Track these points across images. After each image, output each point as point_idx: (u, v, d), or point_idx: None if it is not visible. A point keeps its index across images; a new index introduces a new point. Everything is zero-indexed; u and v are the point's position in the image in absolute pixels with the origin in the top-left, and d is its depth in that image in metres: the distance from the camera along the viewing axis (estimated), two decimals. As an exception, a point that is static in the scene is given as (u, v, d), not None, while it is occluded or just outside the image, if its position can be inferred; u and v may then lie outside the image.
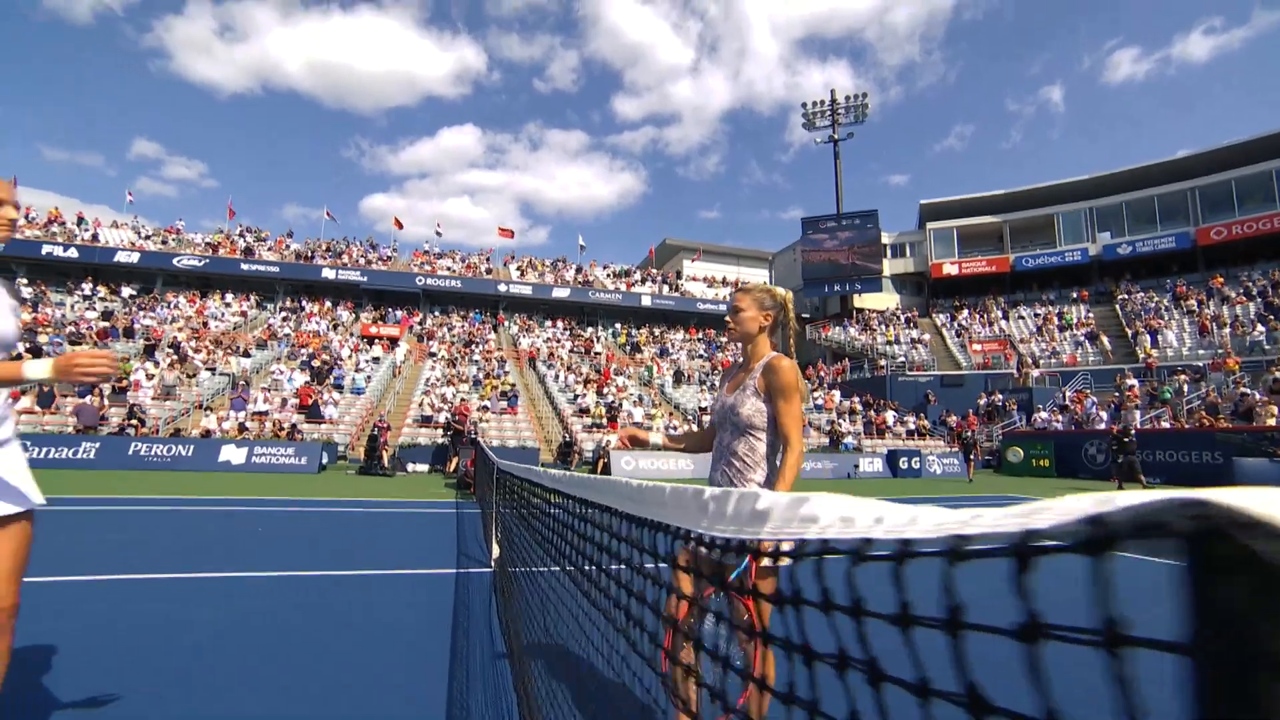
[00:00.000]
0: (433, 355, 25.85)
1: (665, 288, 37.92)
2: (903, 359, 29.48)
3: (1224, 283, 27.04)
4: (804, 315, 39.15)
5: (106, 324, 23.77)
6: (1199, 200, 29.51)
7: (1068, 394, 23.38)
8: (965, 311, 33.24)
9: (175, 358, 20.77)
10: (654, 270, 41.45)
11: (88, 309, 25.75)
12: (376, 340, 27.03)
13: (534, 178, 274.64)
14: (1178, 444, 16.68)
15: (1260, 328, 23.17)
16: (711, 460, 2.23)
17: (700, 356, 31.55)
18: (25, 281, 27.68)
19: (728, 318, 2.28)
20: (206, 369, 20.53)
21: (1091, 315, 29.49)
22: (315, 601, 4.15)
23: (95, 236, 30.72)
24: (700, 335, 35.51)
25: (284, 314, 29.37)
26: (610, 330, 35.06)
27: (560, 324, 34.15)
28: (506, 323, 33.32)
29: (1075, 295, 31.56)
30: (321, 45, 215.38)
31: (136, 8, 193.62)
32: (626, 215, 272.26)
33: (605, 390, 23.28)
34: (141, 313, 26.06)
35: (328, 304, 31.51)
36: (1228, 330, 24.05)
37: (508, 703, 2.64)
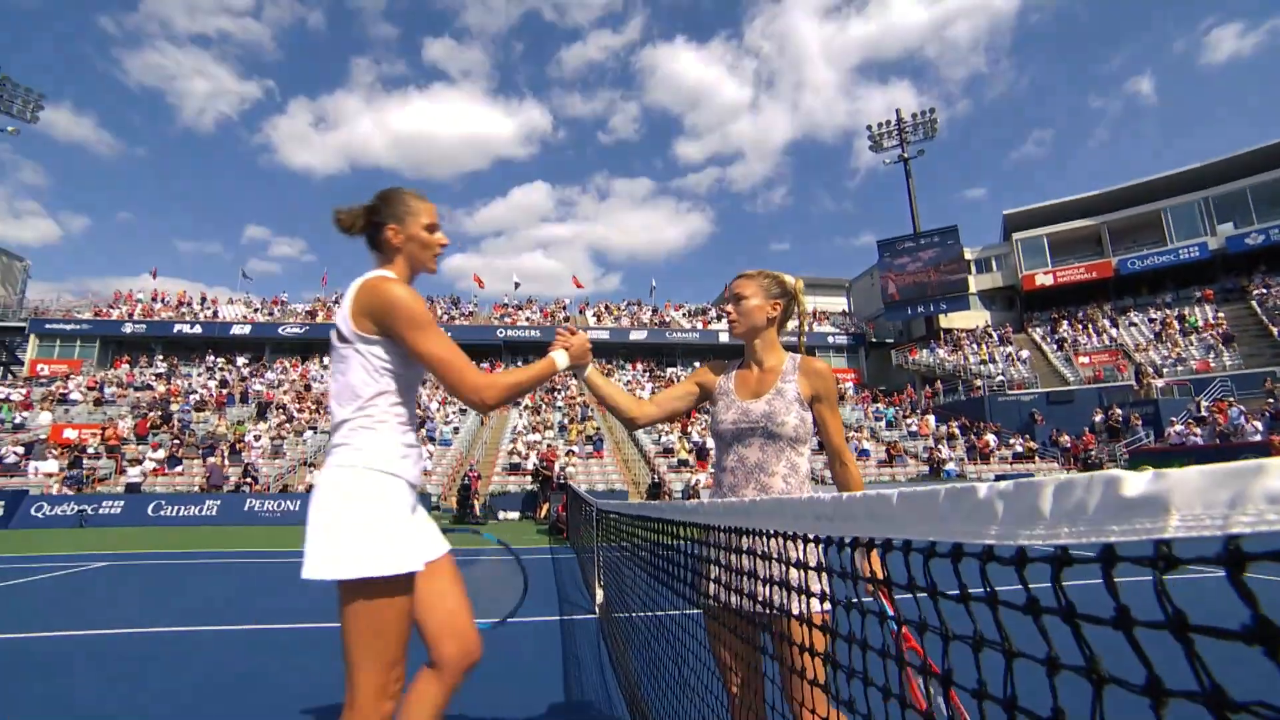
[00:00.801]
0: (517, 404, 26.45)
1: (739, 321, 37.47)
2: (1001, 378, 27.48)
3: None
4: (888, 340, 37.57)
5: (224, 390, 25.95)
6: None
7: (1203, 404, 20.90)
8: (1065, 323, 30.78)
9: (284, 418, 22.25)
10: (729, 308, 41.17)
11: (209, 379, 28.23)
12: (462, 391, 28.02)
13: (603, 227, 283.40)
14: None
15: None
16: (724, 481, 1.84)
17: (781, 388, 30.72)
18: (161, 357, 30.81)
19: (728, 307, 1.96)
20: (310, 428, 21.86)
21: (1222, 315, 26.52)
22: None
23: (215, 314, 33.90)
24: (779, 367, 34.68)
25: (377, 372, 31.08)
26: (690, 369, 34.85)
27: (639, 366, 34.28)
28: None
29: (1198, 295, 28.59)
30: (401, 123, 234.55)
31: (249, 113, 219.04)
32: (696, 255, 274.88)
33: (689, 428, 22.93)
34: (254, 379, 28.29)
35: (416, 360, 33.14)
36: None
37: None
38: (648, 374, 33.00)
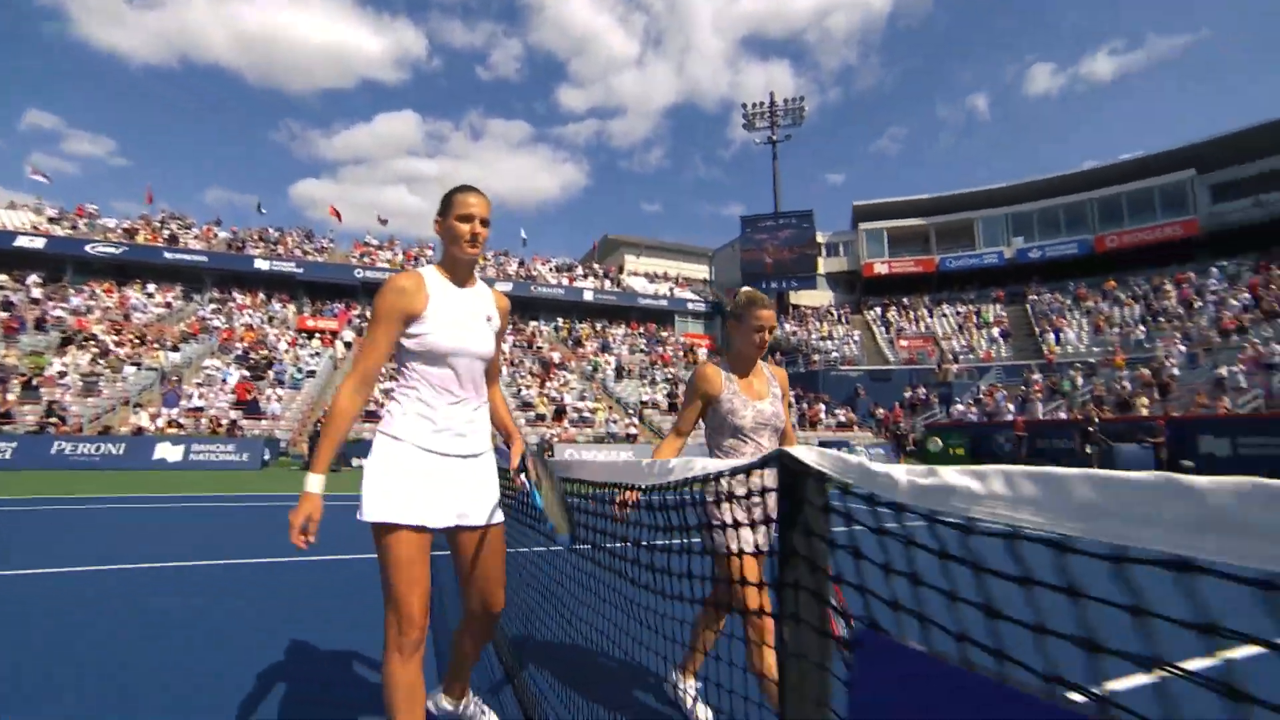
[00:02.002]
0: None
1: (607, 282, 38.37)
2: (835, 354, 31.07)
3: (1116, 285, 29.83)
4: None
5: (11, 314, 22.25)
6: (1096, 210, 32.45)
7: (982, 388, 25.36)
8: (894, 309, 35.23)
9: (96, 351, 19.74)
10: (596, 264, 41.81)
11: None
12: (316, 334, 26.37)
13: (475, 167, 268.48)
14: (1066, 433, 18.53)
15: (1141, 328, 25.79)
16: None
17: (641, 351, 32.25)
18: (-85, 267, 25.45)
19: (767, 335, 2.37)
20: (131, 363, 19.64)
21: (1005, 314, 31.91)
22: (302, 583, 4.47)
23: (-4, 220, 28.45)
24: (641, 330, 36.19)
25: (213, 306, 28.18)
26: (553, 324, 35.25)
27: (505, 318, 34.06)
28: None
29: (993, 295, 34.01)
30: (248, 17, 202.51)
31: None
32: (569, 206, 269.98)
33: (547, 385, 23.61)
34: (51, 303, 24.47)
35: (261, 296, 30.39)
36: (1117, 330, 26.64)
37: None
38: (510, 326, 32.97)
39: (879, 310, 35.77)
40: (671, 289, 39.83)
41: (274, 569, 4.98)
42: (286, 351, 23.19)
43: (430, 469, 1.81)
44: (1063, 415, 20.95)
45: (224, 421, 16.58)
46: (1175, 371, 20.72)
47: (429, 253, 36.62)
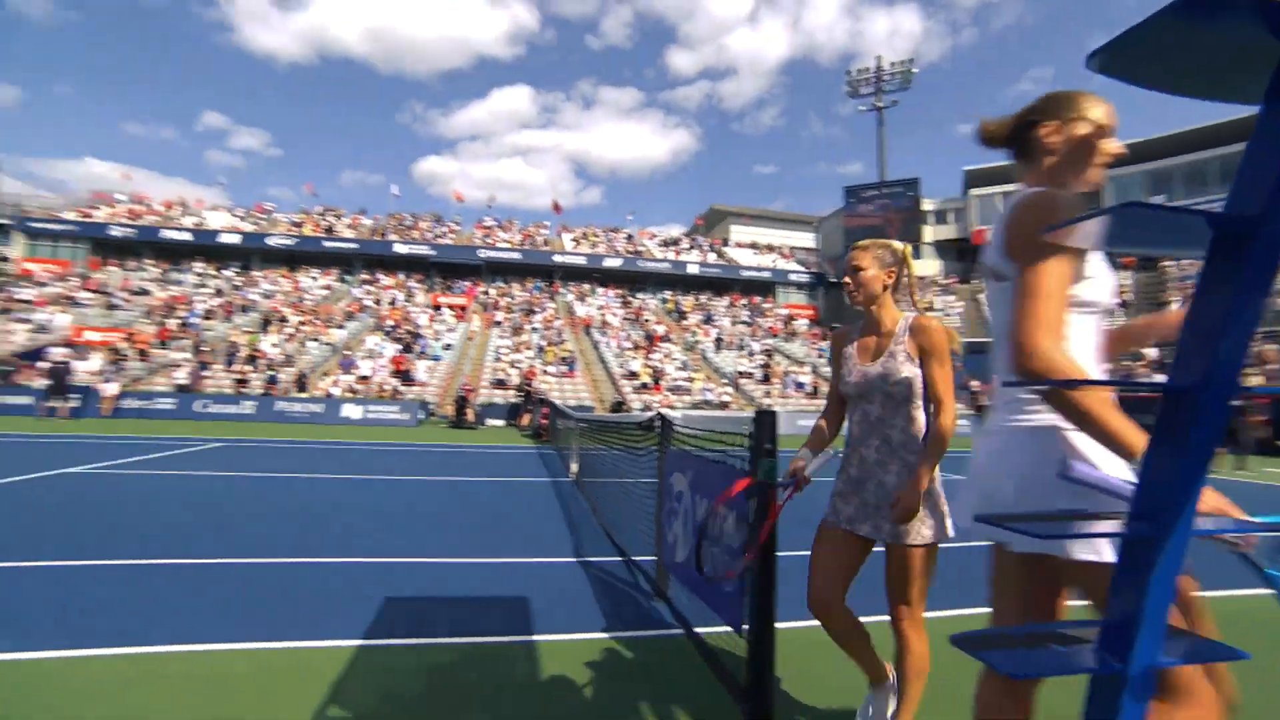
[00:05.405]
0: (498, 324, 28.77)
1: (711, 255, 39.72)
2: (936, 325, 30.73)
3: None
4: (847, 280, 40.28)
5: (221, 299, 27.53)
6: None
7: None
8: (1006, 277, 33.83)
9: (289, 330, 24.28)
10: (701, 237, 43.17)
11: (199, 286, 29.62)
12: (449, 309, 30.17)
13: (587, 137, 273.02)
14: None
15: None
16: (855, 433, 2.04)
17: (743, 323, 33.54)
18: (151, 261, 31.87)
19: (846, 278, 2.08)
20: (312, 339, 23.98)
21: (1133, 281, 29.95)
22: (477, 496, 6.81)
23: (203, 220, 34.65)
24: (744, 301, 37.36)
25: (365, 287, 32.81)
26: (659, 297, 37.24)
27: (612, 291, 36.47)
28: (562, 290, 35.88)
29: (1119, 261, 31.81)
30: (375, 9, 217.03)
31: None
32: (681, 173, 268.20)
33: (653, 355, 25.74)
34: (247, 289, 29.83)
35: (400, 276, 34.80)
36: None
37: (595, 529, 5.10)
38: (619, 299, 35.36)
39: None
40: (775, 259, 40.46)
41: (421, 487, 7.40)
42: (426, 327, 26.94)
43: None
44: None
45: (387, 387, 20.21)
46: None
47: (544, 230, 39.71)
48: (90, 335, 21.16)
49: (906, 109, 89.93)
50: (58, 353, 16.98)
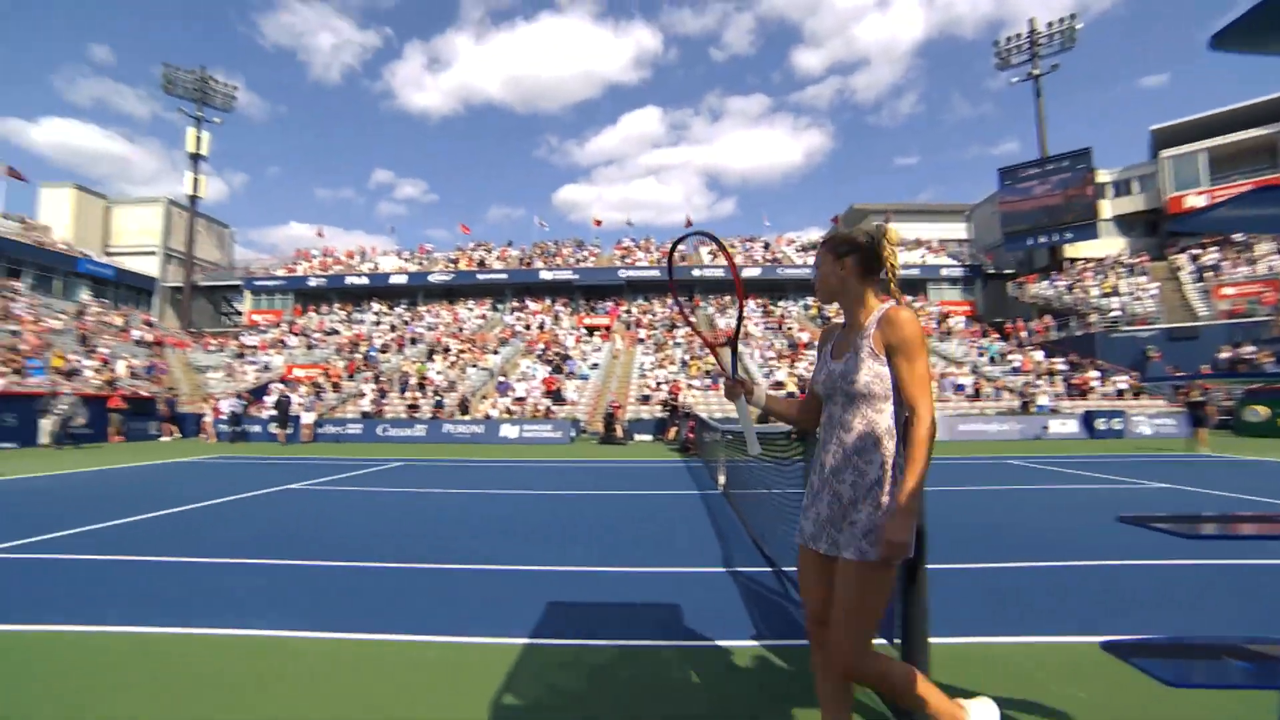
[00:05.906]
0: (641, 342, 29.46)
1: (850, 256, 37.79)
2: (1117, 312, 26.68)
3: None
4: (1008, 271, 36.52)
5: (395, 334, 30.96)
6: None
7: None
8: (1216, 249, 28.65)
9: (450, 359, 26.69)
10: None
11: (375, 324, 33.53)
12: (595, 330, 31.50)
13: (716, 149, 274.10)
14: None
15: None
16: (823, 434, 1.89)
17: (889, 324, 31.41)
18: (339, 305, 36.72)
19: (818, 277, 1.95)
20: (472, 365, 26.13)
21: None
22: (628, 509, 6.88)
23: (376, 266, 39.33)
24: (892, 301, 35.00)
25: (515, 313, 35.23)
26: (801, 304, 36.00)
27: (752, 301, 35.92)
28: (703, 304, 35.96)
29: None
30: (510, 57, 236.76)
31: (370, 61, 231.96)
32: (815, 174, 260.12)
33: (797, 364, 24.89)
34: (414, 323, 33.29)
35: (547, 301, 36.92)
36: None
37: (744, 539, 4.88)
38: (761, 309, 34.70)
39: (1195, 253, 29.39)
40: (924, 255, 37.67)
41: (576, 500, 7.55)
42: (574, 348, 28.25)
43: None
44: None
45: (540, 407, 21.41)
46: None
47: (680, 248, 40.18)
48: (297, 372, 24.75)
49: (1068, 72, 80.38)
50: (278, 388, 20.05)
